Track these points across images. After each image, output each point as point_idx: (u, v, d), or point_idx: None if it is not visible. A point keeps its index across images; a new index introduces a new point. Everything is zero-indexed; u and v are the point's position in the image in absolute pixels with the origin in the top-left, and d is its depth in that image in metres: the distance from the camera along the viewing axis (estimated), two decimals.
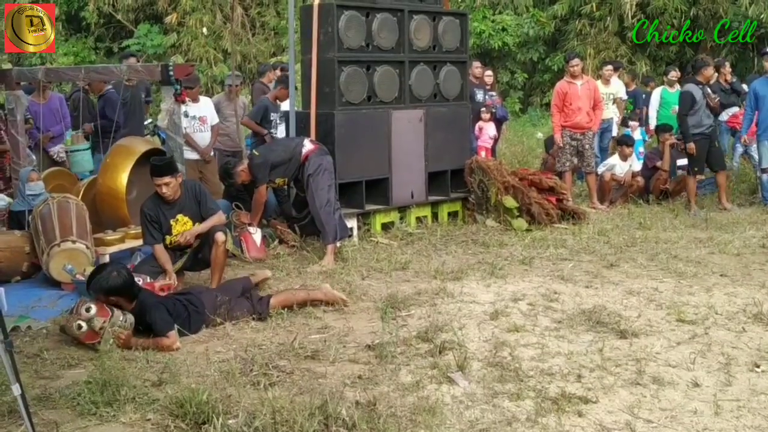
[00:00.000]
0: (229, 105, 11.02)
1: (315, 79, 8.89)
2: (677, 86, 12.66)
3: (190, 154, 9.63)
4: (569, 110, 11.16)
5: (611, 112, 13.02)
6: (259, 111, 10.16)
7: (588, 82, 11.44)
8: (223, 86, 22.56)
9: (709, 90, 10.67)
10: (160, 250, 6.87)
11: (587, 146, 11.19)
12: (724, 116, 12.94)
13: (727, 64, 13.42)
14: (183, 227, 6.93)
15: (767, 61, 10.68)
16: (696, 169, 10.69)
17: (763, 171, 10.74)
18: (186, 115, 9.53)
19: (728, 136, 13.49)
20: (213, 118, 10.30)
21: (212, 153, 10.29)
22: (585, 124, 11.15)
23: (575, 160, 11.30)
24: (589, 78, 11.91)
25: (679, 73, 13.56)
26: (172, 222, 6.88)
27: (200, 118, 10.09)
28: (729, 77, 12.98)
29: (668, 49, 21.99)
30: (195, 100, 10.05)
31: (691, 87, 10.72)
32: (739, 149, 12.65)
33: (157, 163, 6.93)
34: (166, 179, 6.77)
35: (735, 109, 12.90)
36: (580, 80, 11.25)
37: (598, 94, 11.45)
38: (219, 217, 7.10)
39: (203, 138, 10.11)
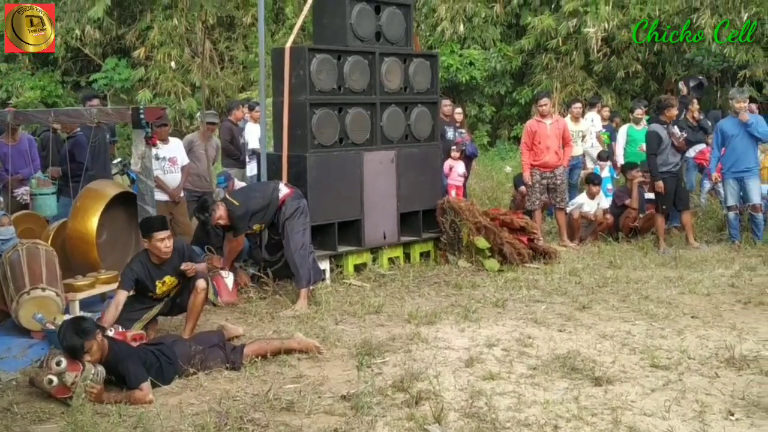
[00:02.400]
0: (202, 144, 10.99)
1: (287, 122, 8.90)
2: (643, 123, 12.82)
3: (160, 196, 9.56)
4: (538, 149, 11.24)
5: (580, 149, 13.16)
6: None
7: (557, 120, 11.55)
8: (192, 120, 22.68)
9: (674, 129, 10.82)
10: (122, 300, 6.64)
11: (559, 182, 11.28)
12: (692, 153, 13.13)
13: (695, 101, 13.61)
14: (168, 287, 6.88)
15: (737, 103, 10.80)
16: (664, 207, 10.80)
17: (729, 209, 10.88)
18: (157, 158, 9.49)
19: (695, 173, 13.68)
20: (183, 159, 10.27)
21: (182, 194, 10.24)
22: (553, 163, 11.24)
23: (545, 198, 11.37)
24: (558, 117, 12.03)
25: (644, 110, 13.74)
26: (158, 283, 6.81)
27: (170, 159, 10.05)
28: (696, 114, 13.17)
29: (633, 82, 22.30)
30: (164, 140, 10.01)
31: (656, 127, 10.88)
32: (707, 186, 12.83)
33: (155, 218, 7.00)
34: (168, 232, 6.77)
35: (702, 146, 13.08)
36: (550, 119, 11.35)
37: (567, 132, 11.57)
38: (204, 267, 7.14)
39: (174, 179, 10.06)
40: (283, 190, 8.36)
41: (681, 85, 13.60)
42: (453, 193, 11.90)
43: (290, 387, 5.73)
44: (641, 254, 10.35)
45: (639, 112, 13.41)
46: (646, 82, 22.45)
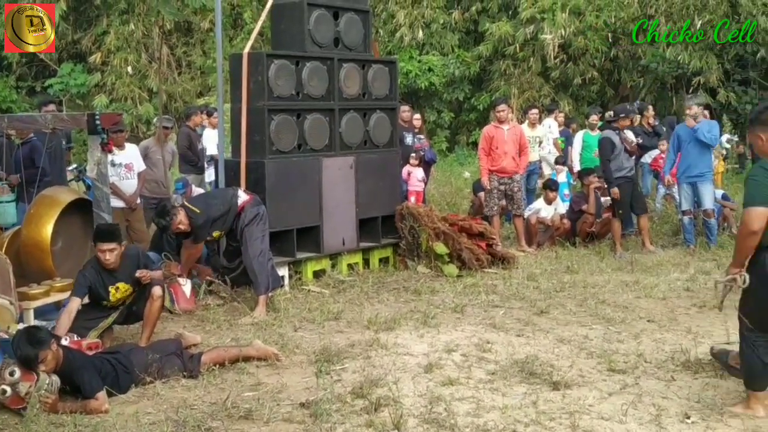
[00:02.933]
0: (158, 150, 10.90)
1: (245, 128, 8.85)
2: (598, 130, 12.97)
3: (116, 202, 9.47)
4: (495, 154, 11.28)
5: (537, 155, 13.26)
6: None
7: (514, 127, 11.64)
8: (149, 126, 22.47)
9: (627, 134, 10.95)
10: (74, 308, 6.54)
11: (516, 189, 11.34)
12: (647, 158, 13.33)
13: (650, 108, 13.80)
14: (123, 295, 6.79)
15: (687, 110, 10.96)
16: (620, 212, 10.91)
17: (684, 213, 11.01)
18: (113, 164, 9.40)
19: (651, 178, 13.86)
20: (139, 165, 10.19)
21: (138, 200, 10.14)
22: (511, 169, 11.30)
23: (503, 204, 11.44)
24: (515, 123, 12.13)
25: (599, 116, 13.92)
26: (111, 289, 6.72)
27: (126, 165, 9.97)
28: (652, 120, 13.34)
29: (590, 89, 22.57)
30: (120, 146, 9.92)
31: (609, 133, 11.05)
32: (662, 191, 12.99)
33: (104, 228, 6.87)
34: (113, 245, 6.63)
35: (657, 152, 13.26)
36: (507, 125, 11.41)
37: (524, 139, 11.64)
38: (160, 274, 7.08)
39: (130, 185, 9.98)
40: (243, 196, 8.30)
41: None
42: (413, 199, 11.92)
43: (248, 395, 5.69)
44: (598, 259, 10.45)
45: (594, 118, 13.56)
46: (603, 88, 22.75)
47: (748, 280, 5.10)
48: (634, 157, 11.28)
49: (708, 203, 10.83)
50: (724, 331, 7.06)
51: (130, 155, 10.10)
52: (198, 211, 8.03)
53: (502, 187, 11.31)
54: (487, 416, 5.20)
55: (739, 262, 5.19)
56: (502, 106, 11.56)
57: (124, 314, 6.95)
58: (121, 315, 6.93)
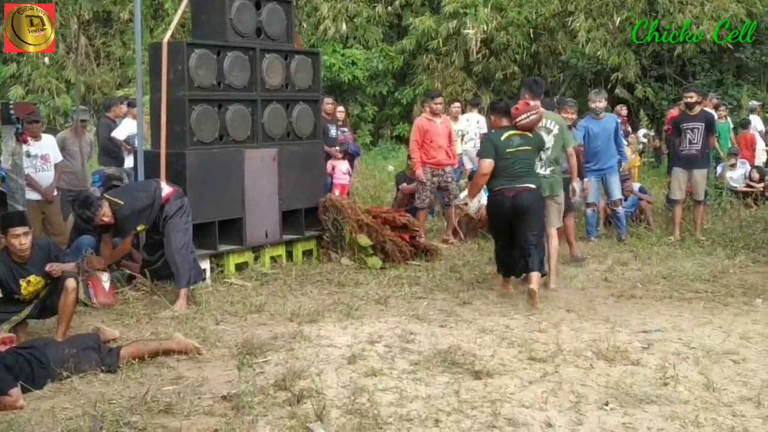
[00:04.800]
0: (75, 141, 10.65)
1: (165, 118, 8.69)
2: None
3: (32, 195, 9.21)
4: (429, 147, 11.21)
5: (460, 149, 13.34)
6: None
7: (445, 120, 11.66)
8: (66, 118, 21.98)
9: None
10: None
11: (450, 180, 11.36)
12: None
13: (569, 101, 13.92)
14: (35, 288, 6.61)
15: (595, 103, 11.13)
16: None
17: (588, 206, 11.18)
18: (28, 155, 9.13)
19: None
20: (56, 156, 9.91)
21: (55, 192, 9.88)
22: (445, 161, 11.32)
23: (433, 197, 11.47)
24: (446, 117, 12.18)
25: None
26: (22, 282, 6.54)
27: (42, 156, 9.68)
28: (572, 117, 13.46)
29: (511, 84, 22.83)
30: (36, 137, 9.64)
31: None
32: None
33: (10, 214, 6.73)
34: (25, 228, 6.47)
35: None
36: (440, 118, 11.43)
37: (452, 131, 11.70)
38: (73, 266, 6.90)
39: (46, 177, 9.69)
40: (166, 188, 8.11)
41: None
42: (337, 192, 11.88)
43: (169, 389, 5.59)
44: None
45: None
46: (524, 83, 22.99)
47: (475, 206, 9.76)
48: None
49: (617, 193, 11.05)
50: (641, 320, 7.24)
51: (46, 146, 9.81)
52: (122, 203, 7.81)
53: (435, 179, 11.29)
54: (410, 406, 5.21)
55: (472, 194, 9.12)
56: (440, 99, 11.57)
57: (39, 308, 6.76)
58: (35, 309, 6.73)
